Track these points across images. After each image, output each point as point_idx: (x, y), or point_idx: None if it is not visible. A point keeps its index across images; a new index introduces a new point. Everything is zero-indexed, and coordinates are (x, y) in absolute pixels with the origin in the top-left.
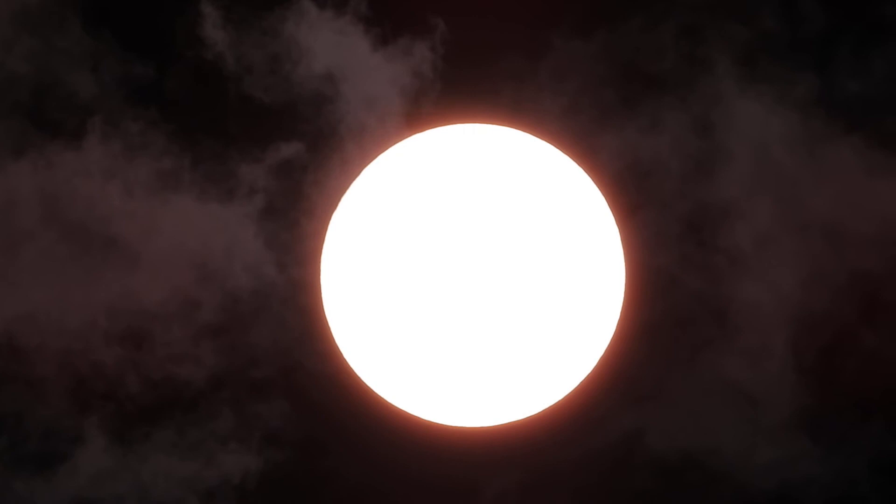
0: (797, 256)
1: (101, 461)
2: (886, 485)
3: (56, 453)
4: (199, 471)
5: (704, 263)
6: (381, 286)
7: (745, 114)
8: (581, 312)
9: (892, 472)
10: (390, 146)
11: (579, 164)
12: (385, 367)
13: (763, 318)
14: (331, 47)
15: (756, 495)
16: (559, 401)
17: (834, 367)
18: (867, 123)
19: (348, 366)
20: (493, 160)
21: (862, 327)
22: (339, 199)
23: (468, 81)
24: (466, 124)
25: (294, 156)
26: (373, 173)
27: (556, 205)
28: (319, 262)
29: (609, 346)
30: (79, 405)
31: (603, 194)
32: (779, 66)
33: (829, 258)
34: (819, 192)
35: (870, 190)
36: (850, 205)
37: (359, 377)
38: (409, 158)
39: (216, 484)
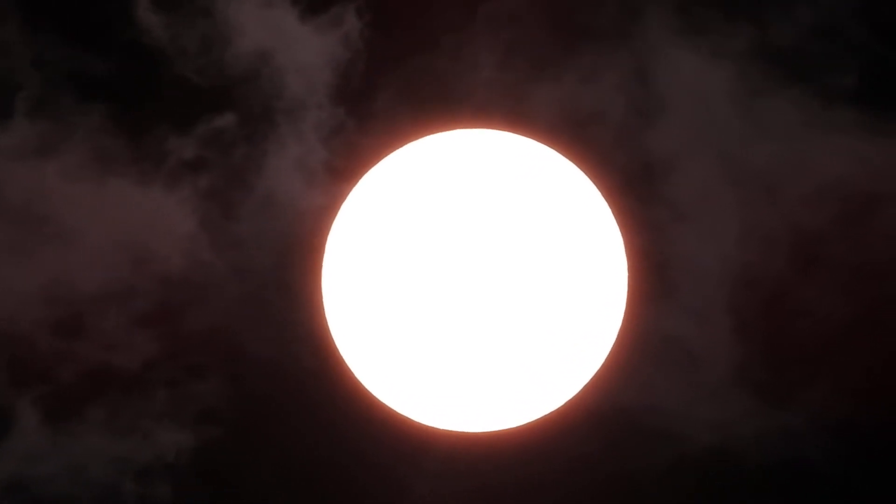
0: (737, 211)
1: (33, 441)
2: (827, 441)
3: None
4: (132, 450)
5: (644, 217)
6: (376, 286)
7: (683, 65)
8: (583, 311)
9: (833, 428)
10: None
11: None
12: (380, 365)
13: (703, 273)
14: (260, 22)
15: (696, 452)
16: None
17: (774, 324)
18: (805, 76)
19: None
20: (485, 166)
21: (802, 283)
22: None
23: (397, 45)
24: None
25: (228, 134)
26: (369, 180)
27: (553, 202)
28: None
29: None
30: (12, 385)
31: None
32: (716, 17)
33: (768, 213)
34: (758, 145)
35: (808, 144)
36: (789, 159)
37: (350, 370)
38: (404, 165)
39: (150, 462)
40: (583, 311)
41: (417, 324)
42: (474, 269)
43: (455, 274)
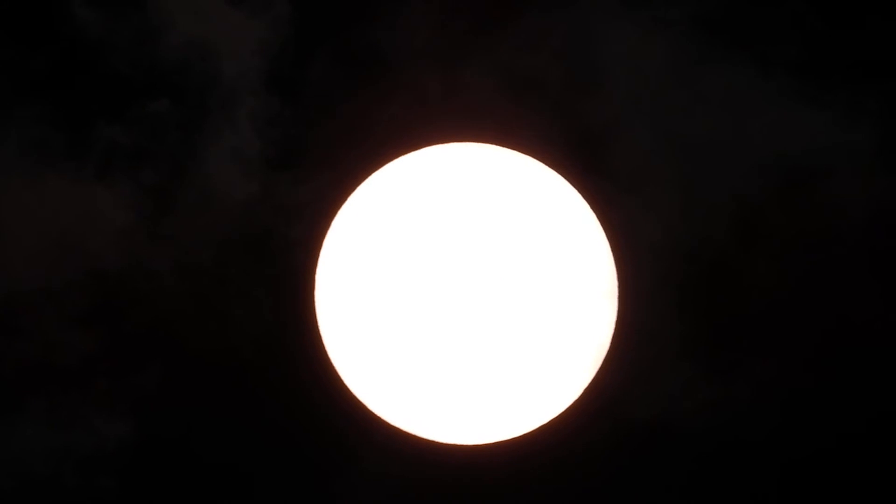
0: (678, 182)
1: None
2: (773, 414)
3: None
4: (72, 442)
5: (584, 189)
6: (366, 295)
7: (624, 35)
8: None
9: (779, 400)
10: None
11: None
12: (369, 369)
13: (646, 245)
14: (193, 11)
15: (640, 427)
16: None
17: (718, 296)
18: (746, 47)
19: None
20: (477, 179)
21: (745, 255)
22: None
23: (328, 21)
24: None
25: (165, 126)
26: (363, 191)
27: (540, 211)
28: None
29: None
30: None
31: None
32: None
33: (709, 184)
34: (698, 116)
35: (749, 114)
36: (730, 129)
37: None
38: (397, 177)
39: (90, 453)
40: (578, 303)
41: (385, 316)
42: (449, 263)
43: (420, 267)
